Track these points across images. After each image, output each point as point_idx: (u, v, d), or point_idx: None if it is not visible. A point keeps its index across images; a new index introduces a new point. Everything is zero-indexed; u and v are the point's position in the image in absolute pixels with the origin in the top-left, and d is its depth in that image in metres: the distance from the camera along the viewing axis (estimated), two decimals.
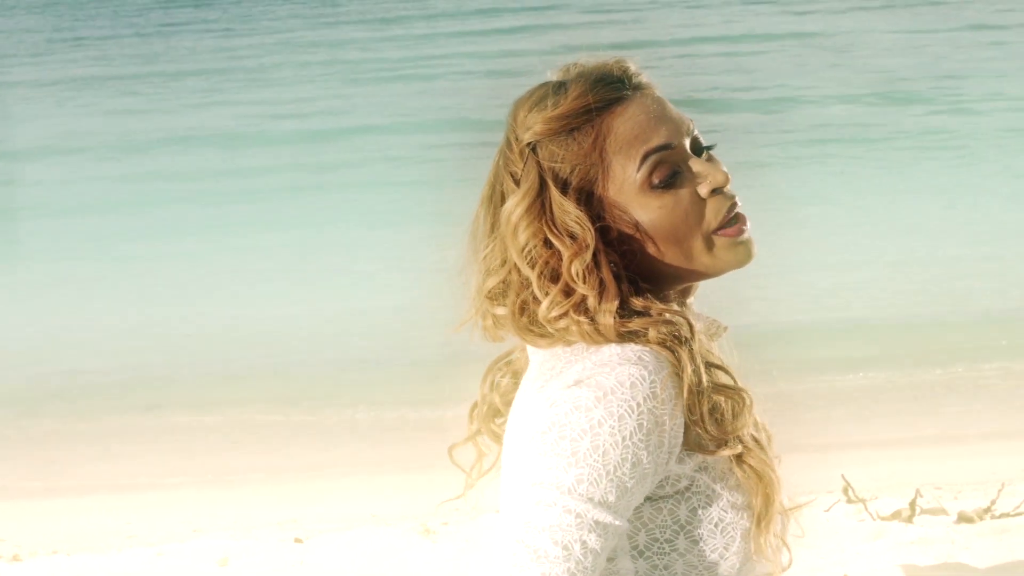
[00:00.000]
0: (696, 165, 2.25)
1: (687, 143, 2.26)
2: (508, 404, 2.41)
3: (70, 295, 12.73)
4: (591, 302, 2.18)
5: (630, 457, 2.09)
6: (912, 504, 6.19)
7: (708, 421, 2.17)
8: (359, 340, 10.48)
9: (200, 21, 33.55)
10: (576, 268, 2.19)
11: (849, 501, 6.41)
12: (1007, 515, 6.08)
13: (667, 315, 2.19)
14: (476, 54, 25.05)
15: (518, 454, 2.18)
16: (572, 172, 2.23)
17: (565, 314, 2.20)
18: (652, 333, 2.17)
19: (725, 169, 2.26)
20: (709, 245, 2.24)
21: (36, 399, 9.91)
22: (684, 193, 2.23)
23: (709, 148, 2.29)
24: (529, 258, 2.22)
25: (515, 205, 2.23)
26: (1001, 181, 14.95)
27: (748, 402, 2.22)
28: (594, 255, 2.20)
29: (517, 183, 2.25)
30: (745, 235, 2.26)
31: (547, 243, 2.21)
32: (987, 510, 6.13)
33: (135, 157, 18.59)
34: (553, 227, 2.21)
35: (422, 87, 22.11)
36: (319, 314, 11.39)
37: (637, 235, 2.23)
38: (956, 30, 24.66)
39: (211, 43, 29.68)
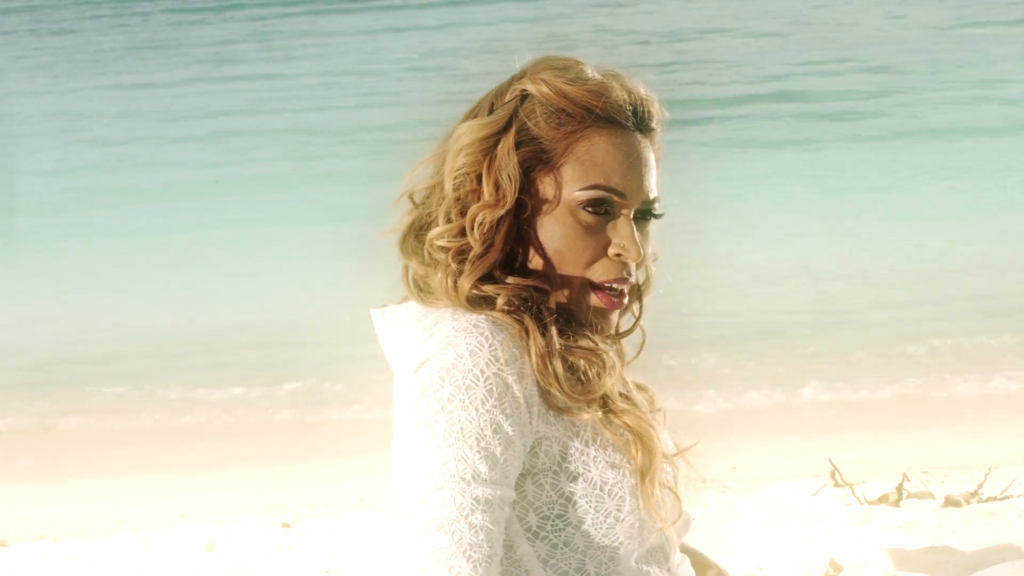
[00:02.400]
0: (624, 227, 2.25)
1: (637, 205, 2.26)
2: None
3: (58, 284, 12.72)
4: (471, 256, 2.21)
5: (489, 423, 2.09)
6: (899, 488, 6.19)
7: (565, 383, 2.17)
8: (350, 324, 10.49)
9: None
10: (483, 216, 2.21)
11: (836, 485, 6.42)
12: (994, 499, 6.08)
13: (523, 288, 2.22)
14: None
15: (393, 453, 2.18)
16: (533, 141, 2.24)
17: (446, 249, 2.22)
18: (500, 301, 2.19)
19: (646, 250, 2.27)
20: (583, 291, 2.25)
21: (21, 385, 9.90)
22: (598, 236, 2.24)
23: (657, 216, 2.30)
24: (456, 181, 2.24)
25: (471, 128, 2.26)
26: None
27: (609, 363, 2.22)
28: (502, 218, 2.22)
29: (490, 113, 2.27)
30: (613, 314, 2.28)
31: (478, 178, 2.23)
32: (974, 494, 6.14)
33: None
34: (490, 168, 2.23)
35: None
36: (313, 302, 11.40)
37: (539, 231, 2.25)
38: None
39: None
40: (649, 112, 2.29)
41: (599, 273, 2.25)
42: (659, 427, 2.29)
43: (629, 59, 22.25)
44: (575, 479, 2.18)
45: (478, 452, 2.08)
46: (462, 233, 2.22)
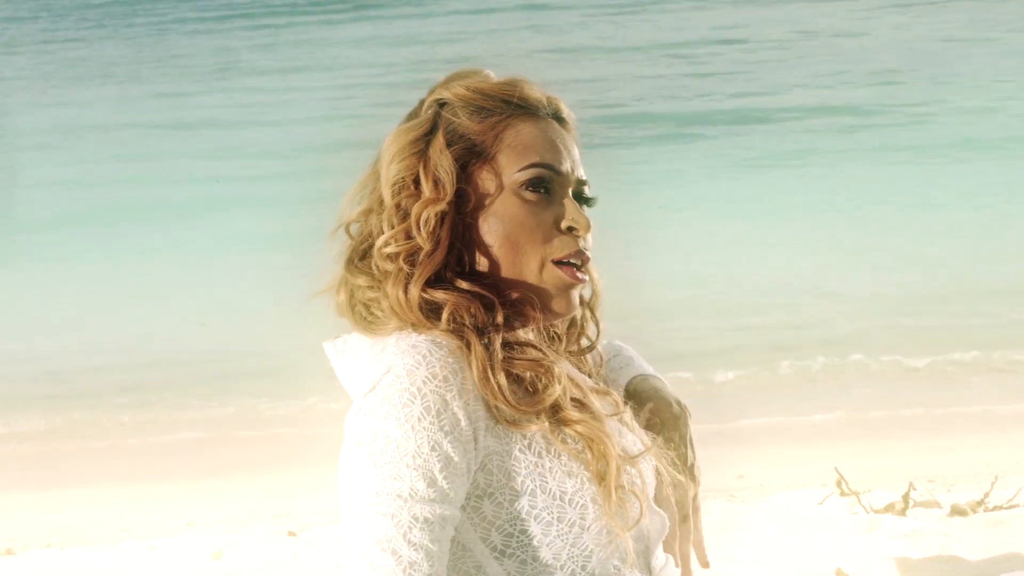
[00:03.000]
0: (569, 204, 2.28)
1: (573, 183, 2.30)
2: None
3: (62, 295, 12.73)
4: (421, 256, 2.22)
5: (426, 441, 2.08)
6: (905, 497, 6.18)
7: (511, 395, 2.16)
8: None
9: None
10: (427, 213, 2.23)
11: (842, 494, 6.41)
12: (1000, 507, 6.07)
13: (471, 293, 2.21)
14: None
15: (338, 472, 2.19)
16: (462, 138, 2.27)
17: (396, 256, 2.23)
18: (445, 315, 2.19)
19: (591, 221, 2.29)
20: (541, 270, 2.26)
21: (28, 394, 9.90)
22: (545, 213, 2.26)
23: (589, 201, 2.33)
24: (394, 189, 2.25)
25: (399, 134, 2.28)
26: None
27: (557, 371, 2.21)
28: (445, 213, 2.23)
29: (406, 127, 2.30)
30: (577, 286, 2.28)
31: (416, 182, 2.25)
32: (980, 503, 6.13)
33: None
34: (426, 168, 2.24)
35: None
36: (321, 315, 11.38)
37: (486, 221, 2.25)
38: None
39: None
40: (559, 106, 2.34)
41: (557, 248, 2.26)
42: (622, 429, 2.27)
43: (657, 69, 22.28)
44: (533, 493, 2.16)
45: (415, 470, 2.08)
46: (408, 236, 2.23)
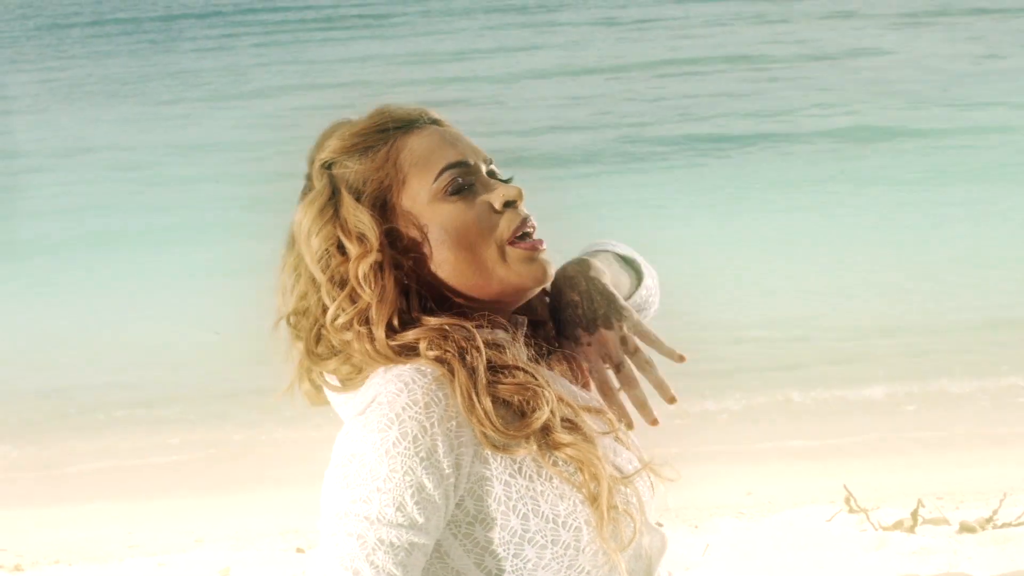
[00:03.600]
0: (492, 183, 2.27)
1: (483, 168, 2.28)
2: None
3: (69, 308, 12.76)
4: (373, 312, 2.18)
5: (399, 467, 2.06)
6: (914, 514, 6.19)
7: (498, 420, 2.13)
8: None
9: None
10: (362, 270, 2.19)
11: (851, 511, 6.41)
12: (1009, 524, 6.08)
13: (445, 326, 2.18)
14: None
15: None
16: (365, 183, 2.24)
17: (350, 323, 2.19)
18: (423, 346, 2.16)
19: (519, 187, 2.26)
20: (502, 255, 2.23)
21: (37, 410, 9.92)
22: (477, 201, 2.24)
23: (507, 180, 2.30)
24: (322, 263, 2.22)
25: (305, 209, 2.25)
26: None
27: (546, 395, 2.17)
28: (380, 262, 2.20)
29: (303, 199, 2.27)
30: (542, 254, 2.25)
31: (340, 248, 2.22)
32: (989, 520, 6.13)
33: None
34: (345, 230, 2.22)
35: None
36: None
37: (429, 242, 2.23)
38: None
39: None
40: (428, 112, 2.32)
41: (504, 228, 2.24)
42: (617, 447, 2.25)
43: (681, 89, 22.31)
44: (525, 516, 2.14)
45: (385, 494, 2.06)
46: (353, 299, 2.20)
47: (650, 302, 2.54)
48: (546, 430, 2.16)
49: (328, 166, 2.27)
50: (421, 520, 2.08)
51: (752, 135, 18.64)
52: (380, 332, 2.17)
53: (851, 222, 14.39)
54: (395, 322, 2.18)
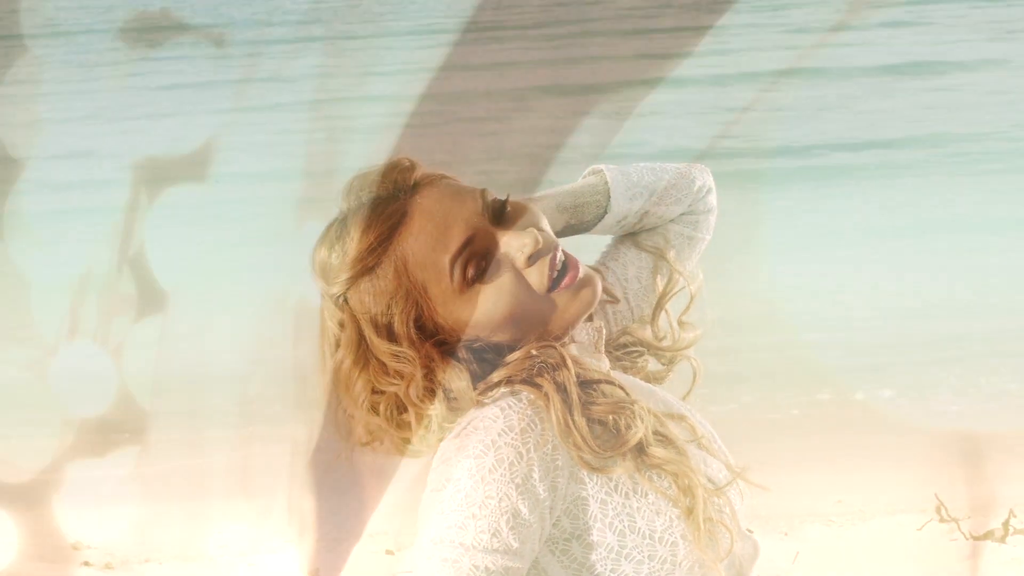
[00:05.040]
0: (503, 243, 2.19)
1: (487, 219, 2.21)
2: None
3: None
4: (440, 409, 2.16)
5: (495, 494, 2.06)
6: (1005, 524, 6.13)
7: (592, 440, 2.12)
8: None
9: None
10: (414, 394, 2.17)
11: (942, 520, 6.37)
12: None
13: (532, 350, 2.17)
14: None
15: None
16: (388, 310, 2.20)
17: (419, 419, 2.18)
18: (512, 376, 2.15)
19: (532, 229, 2.20)
20: (551, 305, 2.20)
21: (126, 408, 9.99)
22: (505, 278, 2.18)
23: (504, 206, 2.22)
24: (370, 407, 2.22)
25: (340, 361, 2.22)
26: None
27: (639, 411, 2.16)
28: (429, 373, 2.17)
29: (338, 340, 2.23)
30: (580, 277, 2.22)
31: (381, 391, 2.20)
32: None
33: None
34: (382, 374, 2.20)
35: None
36: None
37: (479, 327, 2.20)
38: None
39: None
40: (400, 178, 2.21)
41: (537, 282, 2.19)
42: (706, 457, 2.25)
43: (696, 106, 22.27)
44: (622, 533, 2.14)
45: (481, 520, 2.06)
46: (419, 418, 2.18)
47: (652, 213, 2.48)
48: (640, 446, 2.16)
49: (345, 299, 2.23)
50: (516, 545, 2.08)
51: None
52: (466, 398, 2.17)
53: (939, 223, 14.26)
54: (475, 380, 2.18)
